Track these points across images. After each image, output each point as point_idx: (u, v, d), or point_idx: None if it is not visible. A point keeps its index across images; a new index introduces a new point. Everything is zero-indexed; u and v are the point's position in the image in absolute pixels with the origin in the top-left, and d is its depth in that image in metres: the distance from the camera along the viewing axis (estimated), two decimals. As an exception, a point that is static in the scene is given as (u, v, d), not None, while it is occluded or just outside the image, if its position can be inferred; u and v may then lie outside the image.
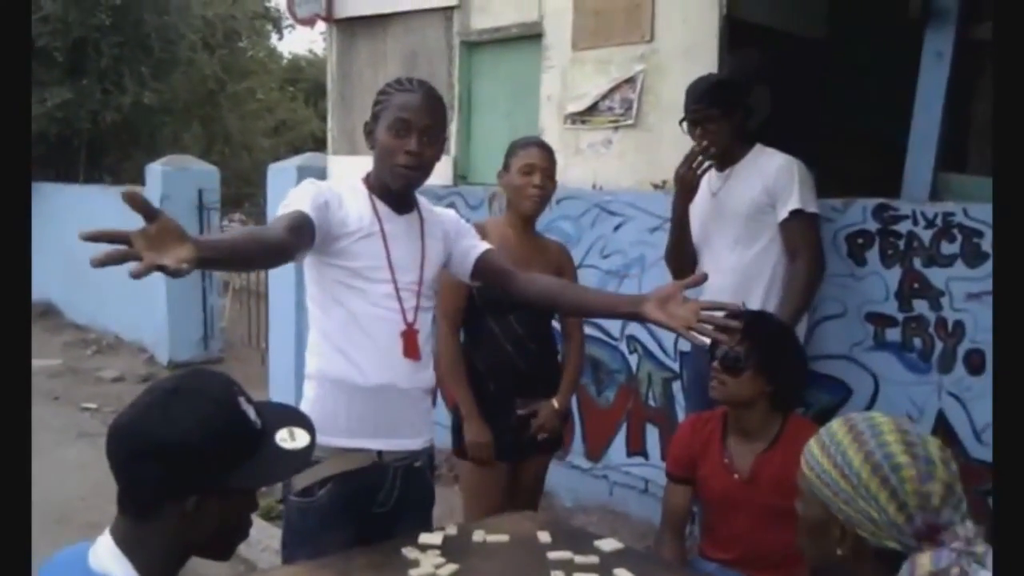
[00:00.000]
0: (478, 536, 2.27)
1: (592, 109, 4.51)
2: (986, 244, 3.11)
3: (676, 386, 4.16)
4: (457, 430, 3.06)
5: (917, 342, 3.31)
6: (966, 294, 3.17)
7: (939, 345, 3.26)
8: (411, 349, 2.27)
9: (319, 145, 9.85)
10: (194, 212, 8.13)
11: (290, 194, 2.16)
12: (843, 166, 4.19)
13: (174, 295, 7.90)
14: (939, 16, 3.36)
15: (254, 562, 4.03)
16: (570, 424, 4.40)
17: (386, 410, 2.26)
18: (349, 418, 2.24)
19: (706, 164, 3.13)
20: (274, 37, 18.36)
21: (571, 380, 3.16)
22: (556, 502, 4.55)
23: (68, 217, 9.62)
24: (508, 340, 3.01)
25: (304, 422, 1.62)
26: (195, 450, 1.40)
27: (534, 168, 2.99)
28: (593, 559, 2.15)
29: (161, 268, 1.43)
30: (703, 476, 2.64)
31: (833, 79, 4.70)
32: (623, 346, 4.38)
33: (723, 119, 3.19)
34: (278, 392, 6.19)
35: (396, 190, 2.26)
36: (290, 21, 10.91)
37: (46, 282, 9.51)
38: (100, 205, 8.94)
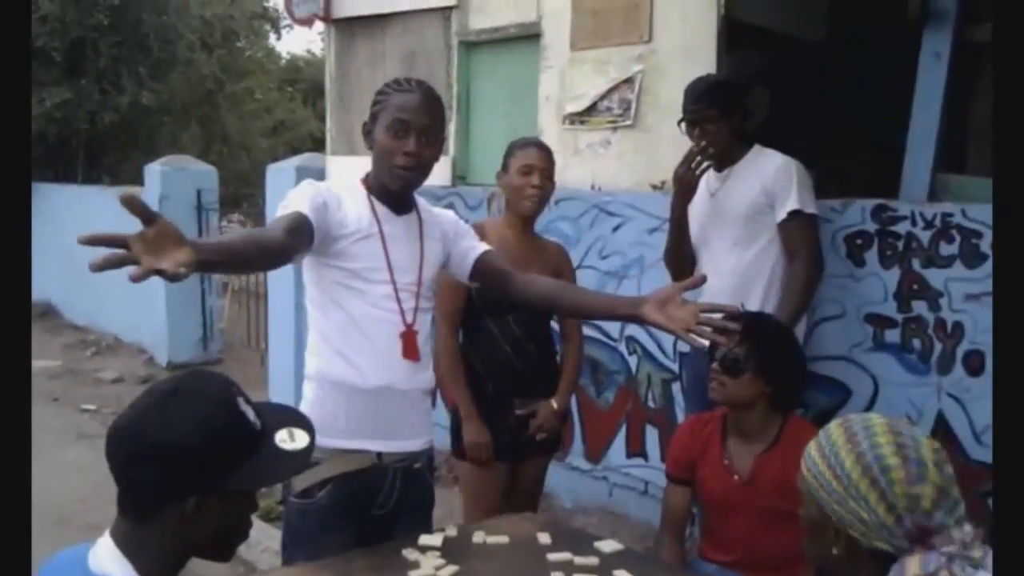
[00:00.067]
0: (478, 537, 2.27)
1: (591, 109, 4.51)
2: (985, 245, 3.12)
3: (676, 387, 4.16)
4: (456, 431, 3.06)
5: (916, 343, 3.32)
6: (965, 295, 3.18)
7: (938, 346, 3.26)
8: (410, 350, 2.27)
9: (317, 145, 9.85)
10: (193, 212, 8.13)
11: (289, 195, 2.16)
12: (842, 167, 4.19)
13: (173, 296, 7.90)
14: (937, 17, 3.36)
15: (254, 563, 4.03)
16: (569, 425, 4.41)
17: (385, 411, 2.26)
18: (348, 419, 2.24)
19: (705, 165, 3.13)
20: (272, 37, 18.39)
21: (569, 380, 3.16)
22: (556, 503, 4.55)
23: (67, 217, 9.61)
24: (506, 341, 3.01)
25: (303, 423, 1.62)
26: (194, 451, 1.40)
27: (533, 168, 2.99)
28: (593, 560, 2.15)
29: (159, 272, 1.43)
30: (703, 477, 2.64)
31: (832, 80, 4.70)
32: (622, 347, 4.38)
33: (722, 120, 3.19)
34: (277, 393, 6.19)
35: (395, 191, 2.26)
36: (288, 21, 10.92)
37: (45, 283, 9.50)
38: (99, 205, 8.92)
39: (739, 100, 3.28)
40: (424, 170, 2.27)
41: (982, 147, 3.45)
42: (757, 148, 3.27)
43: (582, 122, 4.56)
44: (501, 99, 5.18)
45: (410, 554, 2.13)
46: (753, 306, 3.10)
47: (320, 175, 5.86)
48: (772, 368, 2.53)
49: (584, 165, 4.54)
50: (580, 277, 3.56)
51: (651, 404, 4.30)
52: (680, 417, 3.97)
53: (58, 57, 10.82)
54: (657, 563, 2.50)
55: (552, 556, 2.16)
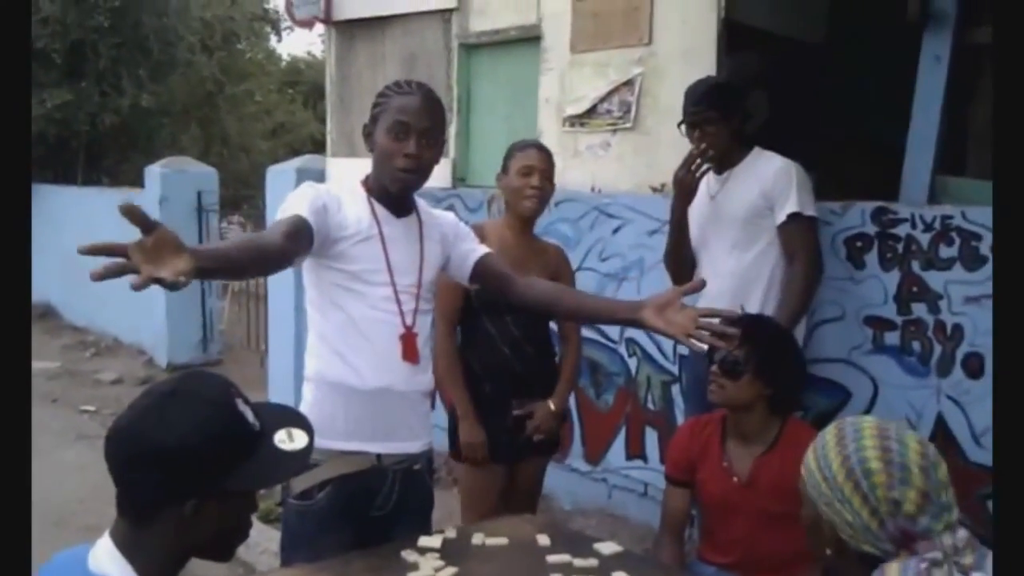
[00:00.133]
0: (477, 539, 2.27)
1: (591, 112, 4.52)
2: (984, 247, 3.12)
3: (675, 389, 4.16)
4: (453, 432, 3.06)
5: (916, 345, 3.32)
6: (964, 297, 3.18)
7: (938, 348, 3.26)
8: (410, 352, 2.27)
9: (318, 147, 9.85)
10: (193, 214, 8.13)
11: (288, 197, 2.16)
12: (842, 169, 4.19)
13: (173, 297, 7.87)
14: (937, 20, 3.37)
15: (253, 564, 4.03)
16: (569, 427, 4.41)
17: (385, 413, 2.26)
18: (347, 421, 2.24)
19: (705, 167, 3.13)
20: (273, 39, 18.35)
21: (567, 381, 3.16)
22: (555, 505, 4.54)
23: (66, 219, 9.61)
24: (504, 341, 3.01)
25: (302, 423, 1.62)
26: (193, 453, 1.40)
27: (532, 170, 2.99)
28: (592, 562, 2.15)
29: (158, 281, 1.43)
30: (702, 479, 2.64)
31: (831, 82, 4.70)
32: (622, 349, 4.38)
33: (721, 122, 3.19)
34: (277, 394, 6.19)
35: (395, 193, 2.26)
36: (289, 23, 10.89)
37: (45, 284, 9.50)
38: (98, 207, 8.92)
39: (739, 102, 3.28)
40: (424, 172, 2.27)
41: (982, 149, 3.46)
42: (757, 150, 3.28)
43: (582, 124, 4.56)
44: (501, 101, 5.18)
45: (409, 556, 2.13)
46: (752, 308, 3.10)
47: (320, 177, 5.86)
48: (771, 370, 2.54)
49: (584, 167, 4.55)
50: (580, 279, 3.56)
51: (651, 406, 4.30)
52: (679, 419, 3.97)
53: (58, 59, 10.82)
54: (656, 565, 2.50)
55: (551, 558, 2.16)
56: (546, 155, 3.06)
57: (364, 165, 2.35)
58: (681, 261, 3.39)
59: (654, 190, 4.22)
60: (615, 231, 4.38)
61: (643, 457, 4.33)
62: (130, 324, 8.83)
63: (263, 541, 3.96)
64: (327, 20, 6.12)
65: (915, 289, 3.30)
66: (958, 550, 1.39)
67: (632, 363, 4.35)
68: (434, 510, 2.47)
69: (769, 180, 3.17)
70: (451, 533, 2.30)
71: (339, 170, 6.01)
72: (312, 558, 2.17)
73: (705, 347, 2.03)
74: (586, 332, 3.64)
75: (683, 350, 3.92)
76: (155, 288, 1.46)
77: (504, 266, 2.45)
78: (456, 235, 2.43)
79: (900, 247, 3.33)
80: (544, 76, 4.75)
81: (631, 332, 4.31)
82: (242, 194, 11.92)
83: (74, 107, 11.04)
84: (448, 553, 2.16)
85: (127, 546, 1.43)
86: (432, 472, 2.51)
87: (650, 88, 4.26)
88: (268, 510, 4.19)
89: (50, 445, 5.74)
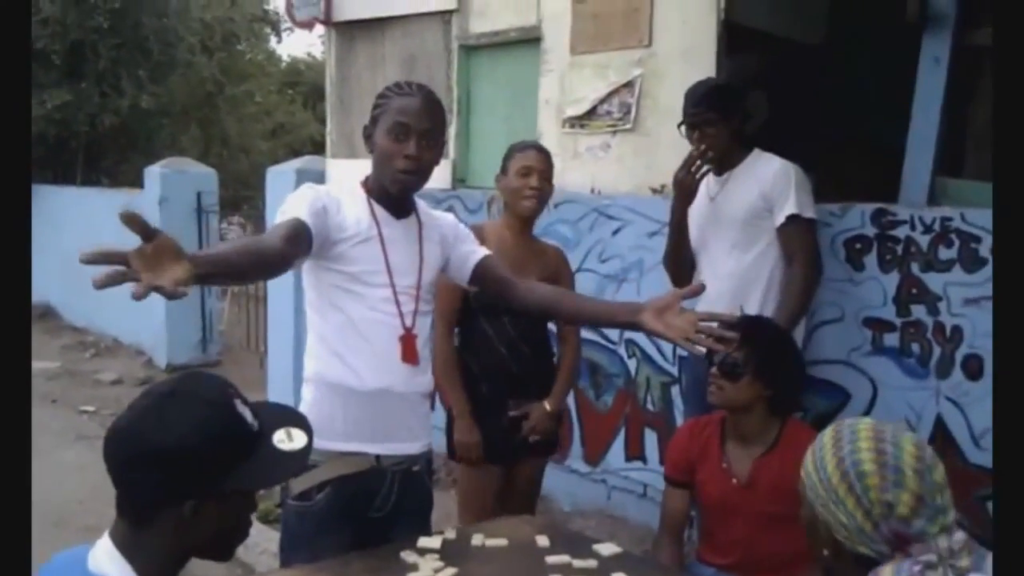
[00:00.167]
0: (477, 540, 2.27)
1: (590, 113, 4.52)
2: (984, 249, 3.12)
3: (674, 390, 4.16)
4: (450, 432, 3.06)
5: (915, 347, 3.32)
6: (964, 299, 3.18)
7: (937, 350, 3.26)
8: (409, 353, 2.27)
9: (317, 148, 9.84)
10: (192, 215, 8.13)
11: (288, 199, 2.16)
12: (841, 170, 4.19)
13: (172, 298, 7.88)
14: (937, 21, 3.37)
15: (252, 565, 4.03)
16: (568, 427, 4.41)
17: (384, 414, 2.26)
18: (346, 422, 2.24)
19: (705, 169, 3.13)
20: (273, 40, 18.35)
21: (564, 382, 3.16)
22: (554, 506, 4.54)
23: (66, 219, 9.61)
24: (502, 342, 3.01)
25: (301, 422, 1.62)
26: (192, 454, 1.40)
27: (531, 170, 2.99)
28: (591, 563, 2.15)
29: (158, 290, 1.44)
30: (701, 481, 2.64)
31: (831, 83, 4.71)
32: (622, 350, 4.38)
33: (721, 123, 3.19)
34: (276, 395, 6.18)
35: (394, 194, 2.26)
36: (289, 24, 10.88)
37: (44, 284, 9.48)
38: (98, 207, 8.93)
39: (738, 104, 3.28)
40: (424, 174, 2.27)
41: (981, 151, 3.46)
42: (756, 152, 3.28)
43: (582, 126, 4.56)
44: (501, 103, 5.18)
45: (408, 556, 2.13)
46: (752, 309, 3.10)
47: (320, 178, 5.86)
48: (771, 372, 2.54)
49: (584, 169, 4.55)
50: (579, 280, 3.56)
51: (650, 407, 4.30)
52: (679, 420, 3.97)
53: (58, 59, 10.82)
54: (655, 566, 2.50)
55: (550, 559, 2.16)
56: (545, 156, 3.06)
57: (364, 166, 2.35)
58: (681, 262, 3.40)
59: (654, 191, 4.22)
60: (615, 232, 4.38)
61: (642, 458, 4.33)
62: (130, 325, 8.83)
63: (262, 542, 3.96)
64: (327, 21, 6.12)
65: (914, 291, 3.30)
66: (954, 552, 1.39)
67: (632, 364, 4.36)
68: (433, 511, 2.47)
69: (768, 182, 3.17)
70: (450, 534, 2.30)
71: (339, 171, 6.02)
72: (311, 559, 2.17)
73: (704, 350, 2.04)
74: (586, 333, 3.64)
75: (683, 351, 3.92)
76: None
77: (504, 269, 2.45)
78: (456, 236, 2.43)
79: (899, 249, 3.33)
80: (544, 77, 4.75)
81: (631, 333, 4.31)
82: (242, 195, 11.91)
83: (74, 108, 11.04)
84: (447, 554, 2.16)
85: (126, 546, 1.43)
86: (431, 473, 2.51)
87: (650, 89, 4.27)
88: (267, 511, 4.20)
89: (50, 445, 5.74)
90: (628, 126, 4.36)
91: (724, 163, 3.25)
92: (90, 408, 6.93)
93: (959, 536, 1.41)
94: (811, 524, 1.53)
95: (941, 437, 3.22)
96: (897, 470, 1.43)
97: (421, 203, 2.40)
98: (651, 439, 4.30)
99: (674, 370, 4.15)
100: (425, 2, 5.43)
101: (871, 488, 1.43)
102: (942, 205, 3.31)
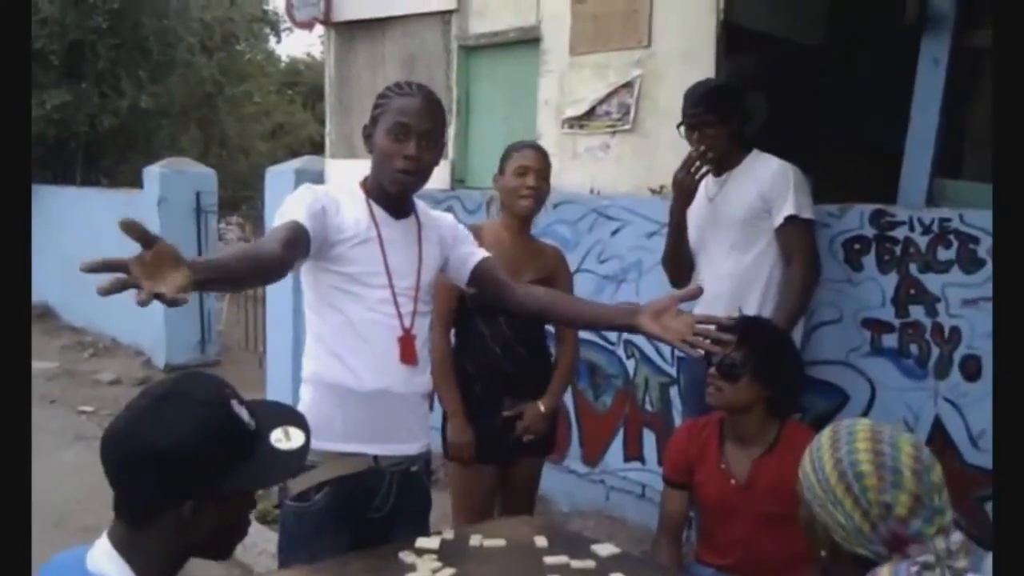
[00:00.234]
0: (475, 540, 2.27)
1: (590, 114, 4.52)
2: (982, 250, 3.12)
3: (673, 391, 4.16)
4: (445, 431, 3.06)
5: (913, 348, 3.32)
6: (962, 300, 3.18)
7: (935, 351, 3.26)
8: (408, 354, 2.27)
9: (317, 148, 9.84)
10: (191, 215, 8.13)
11: (286, 201, 2.16)
12: (840, 171, 4.20)
13: (171, 298, 7.87)
14: (936, 22, 3.37)
15: (250, 566, 4.03)
16: (566, 428, 4.41)
17: (382, 415, 2.26)
18: (345, 422, 2.24)
19: (704, 169, 3.14)
20: (272, 40, 18.36)
21: (560, 382, 3.15)
22: (553, 507, 4.54)
23: (65, 219, 9.60)
24: (496, 342, 3.01)
25: (298, 420, 1.62)
26: (189, 456, 1.40)
27: (528, 170, 2.99)
28: (590, 564, 2.15)
29: (159, 297, 1.44)
30: (700, 481, 2.65)
31: (830, 85, 4.71)
32: (620, 351, 4.38)
33: (720, 124, 3.19)
34: (275, 396, 6.17)
35: (394, 194, 2.26)
36: (288, 24, 10.89)
37: (43, 284, 9.48)
38: (97, 207, 8.94)
39: (738, 104, 3.29)
40: (424, 174, 2.27)
41: (980, 152, 3.46)
42: (755, 153, 3.28)
43: (581, 126, 4.57)
44: (500, 103, 5.18)
45: (407, 557, 2.13)
46: (750, 310, 3.10)
47: (319, 178, 5.86)
48: (769, 372, 2.54)
49: (583, 169, 4.55)
50: (578, 281, 3.56)
51: (648, 408, 4.30)
52: (677, 421, 3.97)
53: (56, 60, 10.81)
54: (654, 567, 2.51)
55: (549, 559, 2.16)
56: (542, 155, 3.06)
57: (363, 166, 2.35)
58: (680, 263, 3.40)
59: (653, 192, 4.22)
60: (614, 233, 4.38)
61: (641, 459, 4.33)
62: (128, 325, 8.83)
63: (261, 542, 3.96)
64: (327, 21, 6.12)
65: (913, 291, 3.31)
66: (951, 553, 1.39)
67: (630, 365, 4.36)
68: (432, 511, 2.47)
69: (767, 183, 3.18)
70: (449, 534, 2.31)
71: (338, 171, 6.01)
72: (310, 560, 2.17)
73: (701, 352, 2.05)
74: (584, 334, 3.63)
75: (681, 352, 3.93)
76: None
77: (502, 273, 2.45)
78: (455, 237, 2.43)
79: (898, 250, 3.34)
80: (543, 78, 4.75)
81: (629, 334, 4.31)
82: (241, 195, 11.91)
83: (73, 108, 11.03)
84: (446, 554, 2.16)
85: (125, 547, 1.43)
86: (430, 474, 2.51)
87: (649, 90, 4.27)
88: (266, 511, 4.19)
89: (49, 446, 5.74)
90: (627, 127, 4.36)
91: (723, 164, 3.25)
92: (89, 408, 6.93)
93: (957, 537, 1.41)
94: (809, 525, 1.53)
95: (939, 438, 3.22)
96: (895, 471, 1.44)
97: (420, 204, 2.40)
98: (650, 440, 4.30)
99: (673, 371, 4.15)
100: (425, 2, 5.43)
101: (869, 489, 1.43)
102: (941, 206, 3.31)
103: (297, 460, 1.57)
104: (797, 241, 3.16)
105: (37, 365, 7.65)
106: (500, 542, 2.27)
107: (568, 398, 4.44)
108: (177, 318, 8.13)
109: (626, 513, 4.35)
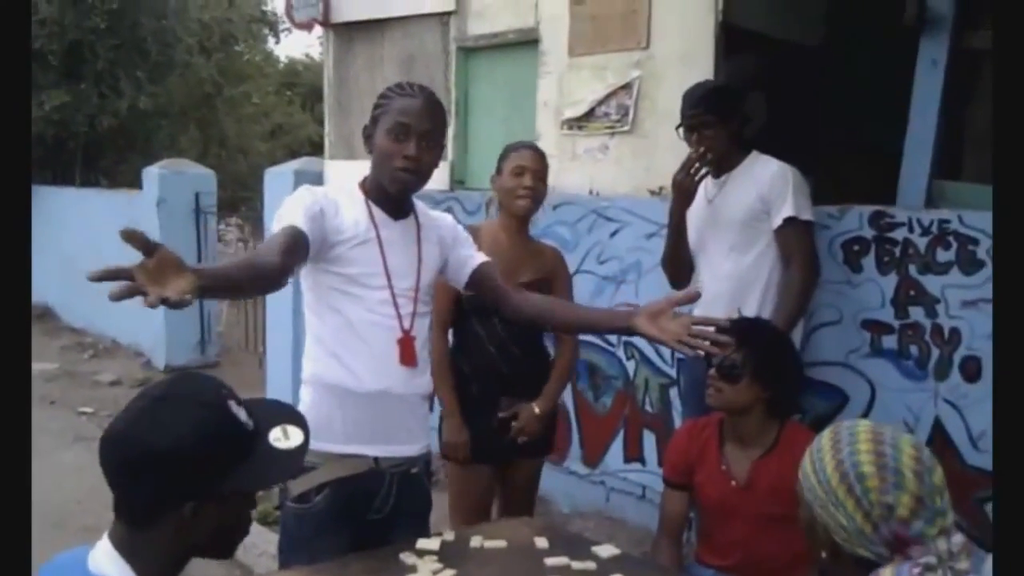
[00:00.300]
0: (475, 542, 2.27)
1: (589, 115, 4.52)
2: (982, 251, 3.12)
3: (673, 392, 4.16)
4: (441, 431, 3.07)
5: (913, 349, 3.32)
6: (962, 301, 3.18)
7: (935, 352, 3.26)
8: (407, 356, 2.27)
9: (316, 149, 9.85)
10: (190, 216, 8.12)
11: (285, 203, 2.16)
12: (839, 173, 4.20)
13: (170, 299, 7.87)
14: (934, 24, 3.38)
15: (250, 567, 4.03)
16: (564, 429, 4.41)
17: (382, 416, 2.26)
18: (345, 424, 2.24)
19: (703, 171, 3.14)
20: (271, 41, 18.36)
21: (556, 384, 3.13)
22: (553, 508, 4.54)
23: (65, 220, 9.59)
24: (492, 343, 3.01)
25: (296, 418, 1.62)
26: (188, 457, 1.40)
27: (525, 170, 2.99)
28: (590, 565, 2.15)
29: (164, 301, 1.45)
30: (700, 482, 2.65)
31: (829, 86, 4.71)
32: (620, 352, 4.38)
33: (719, 125, 3.20)
34: (275, 397, 6.14)
35: (393, 194, 2.26)
36: (287, 25, 10.90)
37: (43, 285, 9.47)
38: (97, 208, 8.93)
39: (737, 106, 3.29)
40: (424, 175, 2.27)
41: (979, 153, 3.47)
42: (754, 154, 3.28)
43: (580, 127, 4.57)
44: (499, 104, 5.18)
45: (407, 558, 2.13)
46: (750, 311, 3.10)
47: (318, 179, 5.86)
48: (769, 373, 2.54)
49: (582, 170, 4.55)
50: (578, 282, 3.57)
51: (648, 409, 4.30)
52: (677, 422, 3.97)
53: (55, 60, 10.80)
54: (654, 568, 2.51)
55: (549, 560, 2.16)
56: (539, 156, 3.06)
57: (362, 167, 2.35)
58: (679, 264, 3.40)
59: (652, 193, 4.22)
60: (613, 234, 4.38)
61: (641, 460, 4.33)
62: (128, 326, 8.82)
63: (261, 544, 3.95)
64: (326, 22, 6.12)
65: (912, 293, 3.31)
66: (953, 555, 1.39)
67: (630, 366, 4.36)
68: (432, 513, 2.47)
69: (766, 184, 3.18)
70: (449, 536, 2.31)
71: (337, 172, 6.01)
72: (310, 561, 2.17)
73: (701, 353, 2.05)
74: (584, 335, 3.64)
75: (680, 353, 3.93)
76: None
77: (501, 278, 2.45)
78: (455, 239, 2.43)
79: (897, 251, 3.34)
80: (542, 79, 4.75)
81: (628, 336, 4.31)
82: (240, 196, 11.91)
83: (72, 108, 11.02)
84: (446, 555, 2.16)
85: (126, 548, 1.43)
86: (430, 475, 2.51)
87: (648, 91, 4.27)
88: (266, 513, 4.19)
89: (48, 446, 5.74)
90: (626, 128, 4.37)
91: (722, 165, 3.25)
92: (89, 409, 6.92)
93: (958, 538, 1.41)
94: (810, 526, 1.53)
95: (939, 439, 3.22)
96: (897, 472, 1.44)
97: (420, 204, 2.40)
98: (650, 441, 4.30)
99: (672, 372, 4.16)
100: (423, 4, 5.44)
101: (871, 490, 1.43)
102: (940, 207, 3.31)
103: (296, 459, 1.57)
104: (796, 242, 3.16)
105: (37, 366, 7.65)
106: (501, 543, 2.27)
107: (568, 399, 4.44)
108: (177, 319, 8.11)
109: (626, 514, 4.35)
